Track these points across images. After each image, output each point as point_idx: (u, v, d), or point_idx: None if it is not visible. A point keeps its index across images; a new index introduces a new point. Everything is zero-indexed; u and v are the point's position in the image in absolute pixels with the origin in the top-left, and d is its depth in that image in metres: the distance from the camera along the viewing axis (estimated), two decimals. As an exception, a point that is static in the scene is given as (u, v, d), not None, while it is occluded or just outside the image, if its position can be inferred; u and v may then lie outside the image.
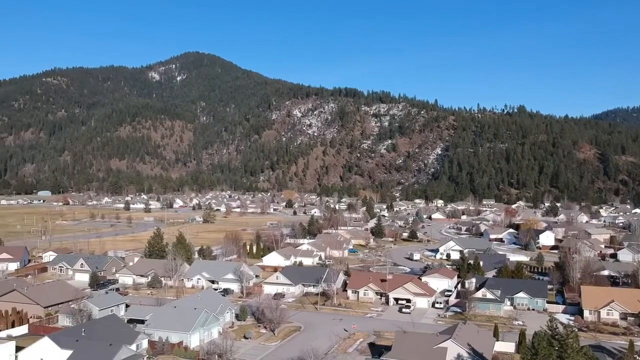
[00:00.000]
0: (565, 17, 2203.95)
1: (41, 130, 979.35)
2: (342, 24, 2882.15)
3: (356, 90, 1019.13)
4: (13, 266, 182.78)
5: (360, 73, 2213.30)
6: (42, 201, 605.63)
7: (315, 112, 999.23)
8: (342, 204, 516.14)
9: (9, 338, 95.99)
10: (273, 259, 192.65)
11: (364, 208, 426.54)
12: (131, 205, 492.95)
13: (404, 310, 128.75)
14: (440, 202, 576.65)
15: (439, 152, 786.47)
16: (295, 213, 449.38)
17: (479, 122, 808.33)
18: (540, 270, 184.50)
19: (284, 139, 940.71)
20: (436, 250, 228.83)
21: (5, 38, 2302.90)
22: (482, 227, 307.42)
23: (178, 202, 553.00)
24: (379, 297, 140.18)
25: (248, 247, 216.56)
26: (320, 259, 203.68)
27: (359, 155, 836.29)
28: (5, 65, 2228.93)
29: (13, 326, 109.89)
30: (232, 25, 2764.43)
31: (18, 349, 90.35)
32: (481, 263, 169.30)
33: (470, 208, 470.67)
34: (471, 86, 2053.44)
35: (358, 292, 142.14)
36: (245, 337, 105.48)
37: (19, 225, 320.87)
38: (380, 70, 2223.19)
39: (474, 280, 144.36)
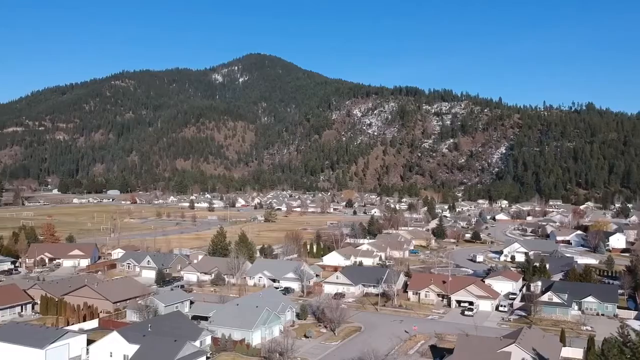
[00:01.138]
0: (637, 8, 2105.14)
1: (110, 131, 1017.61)
2: (402, 22, 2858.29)
3: (417, 89, 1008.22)
4: (84, 262, 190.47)
5: (421, 71, 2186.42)
6: (111, 200, 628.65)
7: (375, 112, 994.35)
8: (403, 204, 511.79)
9: (81, 331, 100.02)
10: (333, 258, 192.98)
11: (425, 208, 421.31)
12: (195, 204, 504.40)
13: (466, 312, 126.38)
14: (504, 203, 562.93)
15: (503, 151, 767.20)
16: (355, 213, 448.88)
17: (546, 120, 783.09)
18: (610, 274, 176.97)
19: (344, 138, 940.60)
20: (500, 252, 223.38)
21: (77, 43, 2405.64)
22: (549, 229, 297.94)
23: (240, 201, 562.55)
24: (441, 299, 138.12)
25: (308, 246, 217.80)
26: (380, 259, 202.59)
27: (420, 154, 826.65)
28: (76, 70, 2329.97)
29: (84, 320, 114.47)
30: (293, 26, 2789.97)
31: (89, 342, 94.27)
32: (547, 266, 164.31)
33: (536, 209, 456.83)
34: (537, 83, 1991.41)
35: (419, 294, 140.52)
36: (305, 336, 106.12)
37: (90, 223, 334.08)
38: (442, 69, 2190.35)
39: (539, 283, 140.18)
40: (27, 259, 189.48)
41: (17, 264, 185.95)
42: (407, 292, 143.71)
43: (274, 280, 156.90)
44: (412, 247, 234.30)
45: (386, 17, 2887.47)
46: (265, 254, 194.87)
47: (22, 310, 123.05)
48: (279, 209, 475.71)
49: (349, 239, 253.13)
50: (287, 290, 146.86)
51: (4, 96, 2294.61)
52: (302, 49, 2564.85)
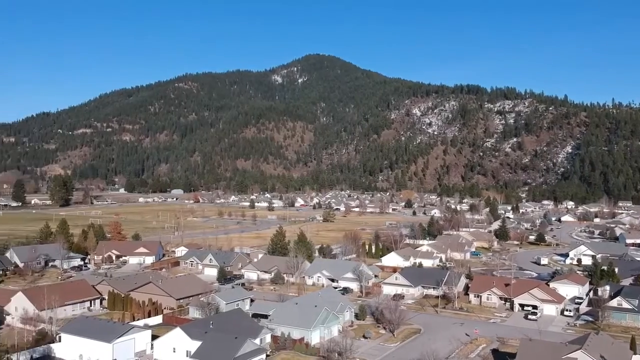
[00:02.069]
0: None
1: (174, 132, 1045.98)
2: (463, 19, 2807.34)
3: (479, 87, 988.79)
4: (149, 260, 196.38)
5: (483, 69, 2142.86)
6: (175, 199, 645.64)
7: (435, 111, 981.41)
8: (464, 204, 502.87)
9: (146, 327, 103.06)
10: (392, 259, 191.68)
11: (487, 209, 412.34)
12: (256, 204, 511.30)
13: (530, 316, 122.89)
14: (570, 204, 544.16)
15: (569, 151, 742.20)
16: (414, 213, 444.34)
17: (614, 118, 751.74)
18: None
19: (403, 138, 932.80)
20: (566, 255, 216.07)
21: (142, 47, 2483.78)
22: (618, 231, 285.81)
23: (299, 201, 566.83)
24: (503, 302, 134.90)
25: (367, 246, 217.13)
26: (440, 260, 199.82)
27: (481, 154, 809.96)
28: (142, 73, 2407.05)
29: (149, 316, 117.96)
30: (352, 26, 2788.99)
31: (153, 337, 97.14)
32: (616, 269, 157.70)
33: (604, 210, 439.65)
34: (605, 80, 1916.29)
35: (480, 297, 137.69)
36: (364, 337, 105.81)
37: (155, 222, 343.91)
38: (504, 66, 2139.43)
39: (607, 287, 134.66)
40: (95, 256, 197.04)
41: (86, 261, 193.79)
42: (468, 294, 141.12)
43: (332, 280, 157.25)
44: (473, 249, 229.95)
45: (446, 15, 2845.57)
46: (323, 254, 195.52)
47: (91, 305, 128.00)
48: (337, 208, 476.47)
49: (408, 239, 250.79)
50: (345, 290, 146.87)
51: (75, 99, 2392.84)
52: (361, 49, 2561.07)
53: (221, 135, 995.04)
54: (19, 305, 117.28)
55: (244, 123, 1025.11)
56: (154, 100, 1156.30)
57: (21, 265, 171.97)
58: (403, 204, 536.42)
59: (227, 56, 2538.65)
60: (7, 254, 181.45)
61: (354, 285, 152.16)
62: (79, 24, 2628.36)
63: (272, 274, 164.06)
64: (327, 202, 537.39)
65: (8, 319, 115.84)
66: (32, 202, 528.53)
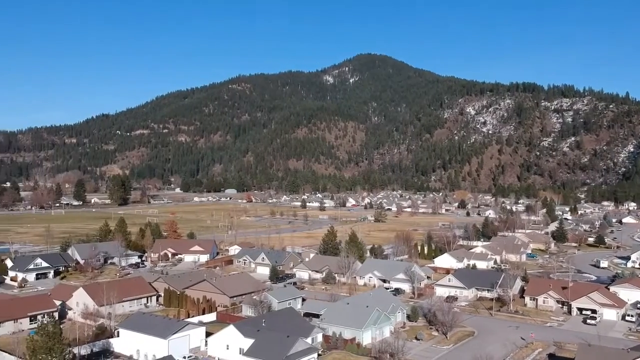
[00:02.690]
0: None
1: (228, 133, 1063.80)
2: (519, 15, 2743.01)
3: (535, 85, 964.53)
4: (204, 258, 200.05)
5: (540, 67, 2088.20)
6: (228, 198, 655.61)
7: (490, 109, 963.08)
8: (520, 205, 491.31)
9: (200, 324, 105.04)
10: (445, 260, 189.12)
11: (544, 210, 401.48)
12: (307, 204, 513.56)
13: (588, 321, 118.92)
14: (632, 205, 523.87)
15: (631, 150, 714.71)
16: (468, 214, 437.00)
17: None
18: None
19: (456, 137, 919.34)
20: (627, 258, 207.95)
21: (196, 49, 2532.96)
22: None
23: (350, 201, 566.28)
24: (560, 306, 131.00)
25: (419, 247, 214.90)
26: (495, 262, 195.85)
27: (538, 153, 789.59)
28: (197, 75, 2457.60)
29: (203, 313, 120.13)
30: (404, 25, 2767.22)
31: (207, 334, 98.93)
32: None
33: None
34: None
35: (536, 300, 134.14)
36: (416, 338, 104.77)
37: (209, 221, 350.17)
38: (562, 63, 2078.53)
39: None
40: (152, 254, 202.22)
41: (143, 258, 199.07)
42: (523, 297, 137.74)
43: (384, 281, 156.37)
44: (529, 251, 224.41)
45: (501, 11, 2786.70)
46: (375, 254, 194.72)
47: (147, 302, 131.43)
48: (389, 209, 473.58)
49: (462, 241, 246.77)
50: (397, 291, 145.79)
51: (133, 101, 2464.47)
52: (413, 48, 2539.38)
53: (273, 135, 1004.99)
54: (80, 300, 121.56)
55: (295, 123, 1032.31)
56: (209, 102, 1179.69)
57: (82, 262, 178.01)
58: (456, 204, 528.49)
59: (280, 57, 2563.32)
60: (69, 251, 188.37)
61: (405, 286, 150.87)
62: (138, 29, 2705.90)
63: (324, 273, 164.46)
64: (378, 202, 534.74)
65: (70, 314, 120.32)
66: (92, 201, 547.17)
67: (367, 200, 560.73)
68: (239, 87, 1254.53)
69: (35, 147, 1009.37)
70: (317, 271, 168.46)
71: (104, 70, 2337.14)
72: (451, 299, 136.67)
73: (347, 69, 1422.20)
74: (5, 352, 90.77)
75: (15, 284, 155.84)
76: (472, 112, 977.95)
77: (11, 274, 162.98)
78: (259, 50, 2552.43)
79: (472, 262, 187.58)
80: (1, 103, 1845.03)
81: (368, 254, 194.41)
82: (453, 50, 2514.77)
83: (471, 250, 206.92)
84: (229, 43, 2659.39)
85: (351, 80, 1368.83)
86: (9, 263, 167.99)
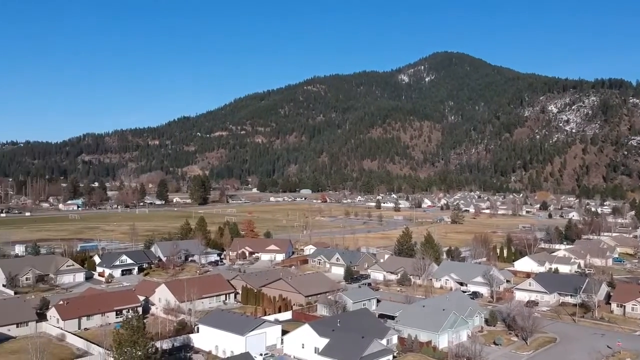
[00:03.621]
0: None
1: (303, 134, 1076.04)
2: (602, 6, 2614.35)
3: (622, 81, 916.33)
4: (280, 257, 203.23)
5: (627, 62, 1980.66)
6: (303, 199, 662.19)
7: (573, 107, 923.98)
8: (606, 207, 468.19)
9: (276, 322, 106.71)
10: (525, 264, 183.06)
11: (632, 212, 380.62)
12: (382, 204, 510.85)
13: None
14: None
15: None
16: (550, 216, 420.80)
17: None
18: None
19: (537, 136, 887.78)
20: None
21: (274, 52, 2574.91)
22: None
23: (426, 202, 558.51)
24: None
25: (498, 250, 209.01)
26: (579, 267, 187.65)
27: (626, 152, 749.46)
28: (273, 77, 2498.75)
29: (279, 311, 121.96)
30: (481, 21, 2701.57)
31: (283, 332, 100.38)
32: None
33: None
34: None
35: (624, 307, 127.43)
36: (495, 343, 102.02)
37: (285, 220, 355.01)
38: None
39: None
40: (230, 252, 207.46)
41: (222, 256, 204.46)
42: (609, 304, 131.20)
43: (460, 284, 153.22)
44: (616, 255, 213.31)
45: (582, 4, 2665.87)
46: (452, 256, 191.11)
47: (226, 299, 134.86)
48: (466, 210, 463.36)
49: (543, 244, 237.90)
50: (474, 295, 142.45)
51: (212, 104, 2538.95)
52: (491, 45, 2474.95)
53: (348, 136, 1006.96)
54: (162, 296, 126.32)
55: (370, 123, 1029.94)
56: (284, 103, 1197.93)
57: (164, 259, 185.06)
58: (538, 206, 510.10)
59: (354, 58, 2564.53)
60: (152, 249, 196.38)
61: (483, 290, 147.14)
62: (217, 33, 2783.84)
63: (399, 275, 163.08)
64: (455, 203, 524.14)
65: (152, 309, 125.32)
66: (174, 200, 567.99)
67: (443, 202, 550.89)
68: (314, 88, 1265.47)
69: (121, 149, 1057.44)
70: (391, 272, 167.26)
71: (184, 75, 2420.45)
72: (532, 303, 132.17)
73: (422, 67, 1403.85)
74: (94, 343, 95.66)
75: (103, 279, 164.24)
76: (554, 110, 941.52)
77: (99, 269, 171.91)
78: (333, 51, 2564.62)
79: (554, 266, 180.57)
80: (90, 106, 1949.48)
81: (444, 256, 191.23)
82: (533, 46, 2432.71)
83: (553, 254, 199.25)
84: (304, 44, 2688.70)
85: (427, 79, 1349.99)
86: (97, 259, 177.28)
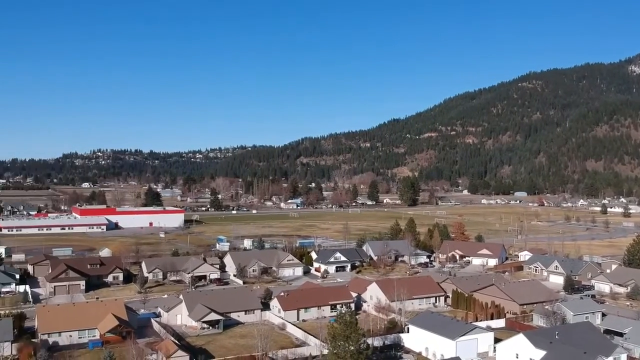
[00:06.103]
0: None
1: (517, 133, 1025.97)
2: None
3: None
4: (492, 262, 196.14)
5: None
6: (518, 201, 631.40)
7: None
8: None
9: (488, 329, 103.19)
10: None
11: None
12: (608, 209, 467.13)
13: None
14: None
15: None
16: None
17: None
18: None
19: None
20: None
21: (485, 49, 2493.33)
22: None
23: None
24: None
25: None
26: None
27: None
28: (484, 75, 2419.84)
29: (491, 318, 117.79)
30: None
31: (496, 340, 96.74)
32: None
33: None
34: None
35: None
36: None
37: (497, 224, 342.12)
38: None
39: None
40: (440, 254, 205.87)
41: (431, 258, 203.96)
42: None
43: None
44: None
45: None
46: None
47: (436, 301, 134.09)
48: None
49: None
50: None
51: (421, 105, 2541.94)
52: None
53: (568, 134, 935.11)
54: (372, 294, 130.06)
55: (594, 121, 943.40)
56: (497, 102, 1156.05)
57: (375, 258, 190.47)
58: None
59: (574, 50, 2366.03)
60: (364, 247, 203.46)
61: None
62: (431, 32, 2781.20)
63: (628, 288, 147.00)
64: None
65: (364, 306, 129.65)
66: (384, 201, 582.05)
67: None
68: (529, 84, 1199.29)
69: (335, 151, 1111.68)
70: (620, 285, 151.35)
71: (394, 77, 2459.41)
72: None
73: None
74: (311, 334, 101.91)
75: (319, 274, 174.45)
76: None
77: (315, 265, 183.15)
78: (549, 44, 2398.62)
79: None
80: (307, 111, 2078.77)
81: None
82: None
83: None
84: (517, 41, 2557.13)
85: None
86: (313, 255, 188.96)
